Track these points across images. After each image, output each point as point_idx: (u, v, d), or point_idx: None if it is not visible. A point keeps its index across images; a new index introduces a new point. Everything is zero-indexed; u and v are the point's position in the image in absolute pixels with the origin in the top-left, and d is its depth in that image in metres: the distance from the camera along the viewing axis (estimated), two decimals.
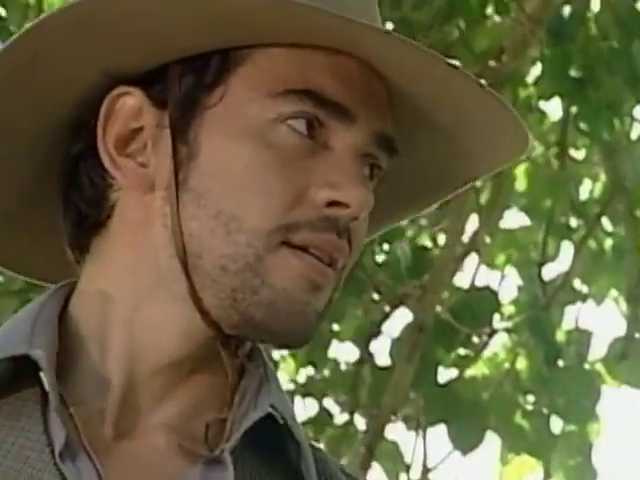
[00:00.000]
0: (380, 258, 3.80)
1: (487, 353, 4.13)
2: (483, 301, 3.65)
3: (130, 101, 0.63)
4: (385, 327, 3.85)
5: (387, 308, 3.80)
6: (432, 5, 3.26)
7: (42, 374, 0.60)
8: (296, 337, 0.63)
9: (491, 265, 4.02)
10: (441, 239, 3.87)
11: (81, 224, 0.66)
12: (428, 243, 3.98)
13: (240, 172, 0.60)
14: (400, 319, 3.79)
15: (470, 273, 3.89)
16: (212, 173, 0.61)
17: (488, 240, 3.96)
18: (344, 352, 4.11)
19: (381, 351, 3.83)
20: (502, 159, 0.73)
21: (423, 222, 3.81)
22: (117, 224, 0.65)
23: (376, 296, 3.79)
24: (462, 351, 3.84)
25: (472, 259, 3.84)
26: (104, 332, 0.63)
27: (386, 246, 3.70)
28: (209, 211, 0.61)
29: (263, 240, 0.60)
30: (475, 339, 3.84)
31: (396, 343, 3.69)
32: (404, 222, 3.43)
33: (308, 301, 0.62)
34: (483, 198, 3.68)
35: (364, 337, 3.83)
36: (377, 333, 3.86)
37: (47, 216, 0.70)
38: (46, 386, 0.60)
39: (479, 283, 3.87)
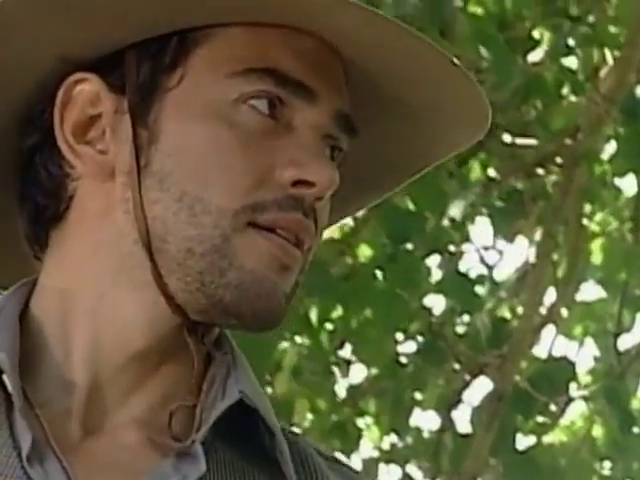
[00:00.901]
0: (461, 329, 3.92)
1: (564, 421, 4.19)
2: (560, 370, 3.71)
3: (87, 87, 0.62)
4: (466, 396, 3.97)
5: (467, 377, 3.91)
6: (510, 86, 3.36)
7: (4, 376, 0.58)
8: (265, 319, 0.61)
9: (568, 336, 4.11)
10: (520, 311, 3.99)
11: (39, 218, 0.64)
12: (507, 315, 4.09)
13: (203, 153, 0.59)
14: (480, 388, 3.91)
15: (548, 343, 4.00)
16: (175, 155, 0.60)
17: (565, 312, 4.05)
18: (426, 420, 4.17)
19: (462, 419, 3.94)
20: (462, 135, 0.70)
21: (502, 294, 3.94)
22: (76, 214, 0.63)
23: (457, 366, 3.90)
24: (540, 419, 3.91)
25: (549, 330, 3.95)
26: (66, 328, 0.61)
27: (467, 317, 3.82)
28: (173, 194, 0.59)
29: (229, 221, 0.58)
30: (553, 407, 3.91)
31: (476, 411, 3.79)
32: (484, 294, 3.53)
33: (276, 282, 0.60)
34: (560, 271, 3.80)
35: (445, 405, 3.94)
36: (458, 401, 3.96)
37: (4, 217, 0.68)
38: (9, 388, 0.58)
39: (556, 353, 3.98)
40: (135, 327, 0.60)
